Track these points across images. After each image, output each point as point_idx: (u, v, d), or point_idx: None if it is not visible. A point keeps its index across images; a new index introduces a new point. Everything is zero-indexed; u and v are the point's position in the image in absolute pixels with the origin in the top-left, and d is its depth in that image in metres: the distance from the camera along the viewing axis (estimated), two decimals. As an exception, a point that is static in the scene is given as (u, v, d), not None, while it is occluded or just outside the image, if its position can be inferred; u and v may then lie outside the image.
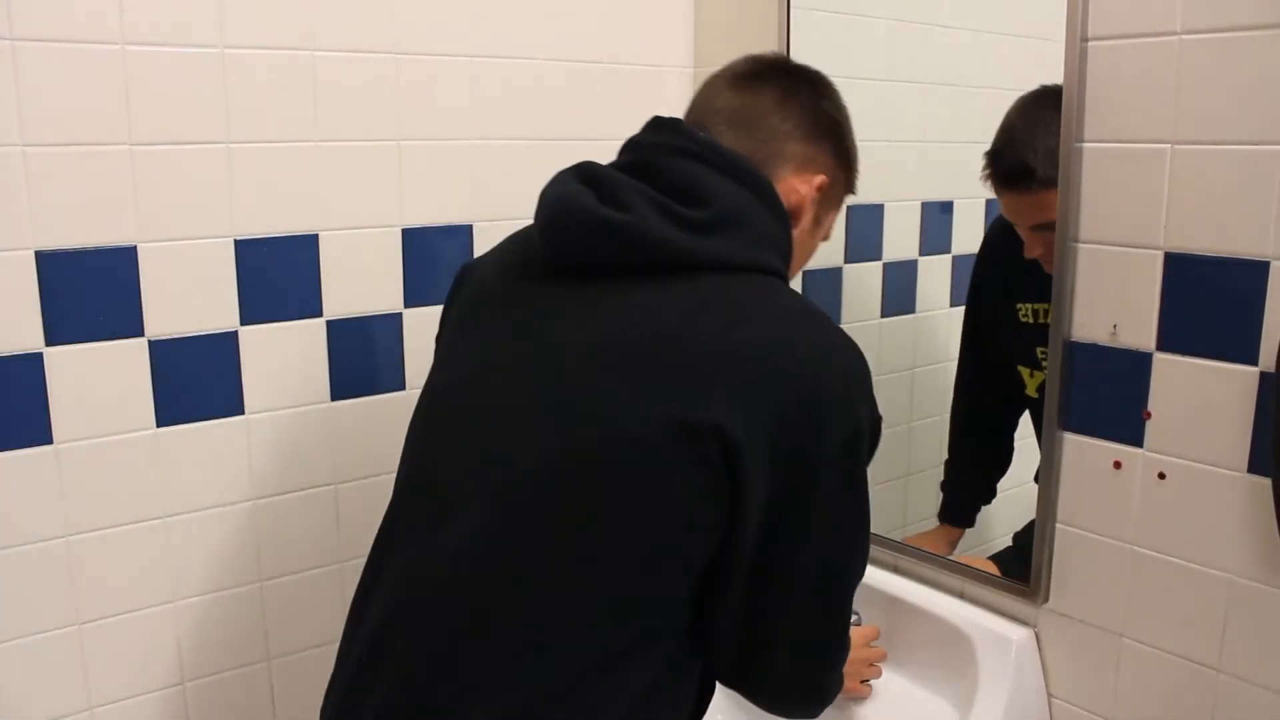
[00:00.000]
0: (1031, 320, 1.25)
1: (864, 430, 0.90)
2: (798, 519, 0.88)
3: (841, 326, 0.94)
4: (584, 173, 0.97)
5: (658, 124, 1.00)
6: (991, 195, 1.28)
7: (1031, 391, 1.27)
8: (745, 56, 1.05)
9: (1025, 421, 1.30)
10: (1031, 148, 1.18)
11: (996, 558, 1.32)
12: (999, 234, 1.29)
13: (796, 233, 0.99)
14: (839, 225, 1.09)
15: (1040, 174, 1.16)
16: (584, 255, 0.92)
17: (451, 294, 1.08)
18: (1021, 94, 1.22)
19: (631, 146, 1.00)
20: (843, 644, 0.97)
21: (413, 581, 0.92)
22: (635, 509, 0.86)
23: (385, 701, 0.89)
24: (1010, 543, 1.31)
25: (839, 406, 0.88)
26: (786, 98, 1.00)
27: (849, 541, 0.93)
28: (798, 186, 0.99)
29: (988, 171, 1.25)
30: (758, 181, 0.94)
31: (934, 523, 1.41)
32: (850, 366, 0.90)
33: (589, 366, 0.89)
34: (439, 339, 1.08)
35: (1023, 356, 1.27)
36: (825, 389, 0.87)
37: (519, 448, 0.90)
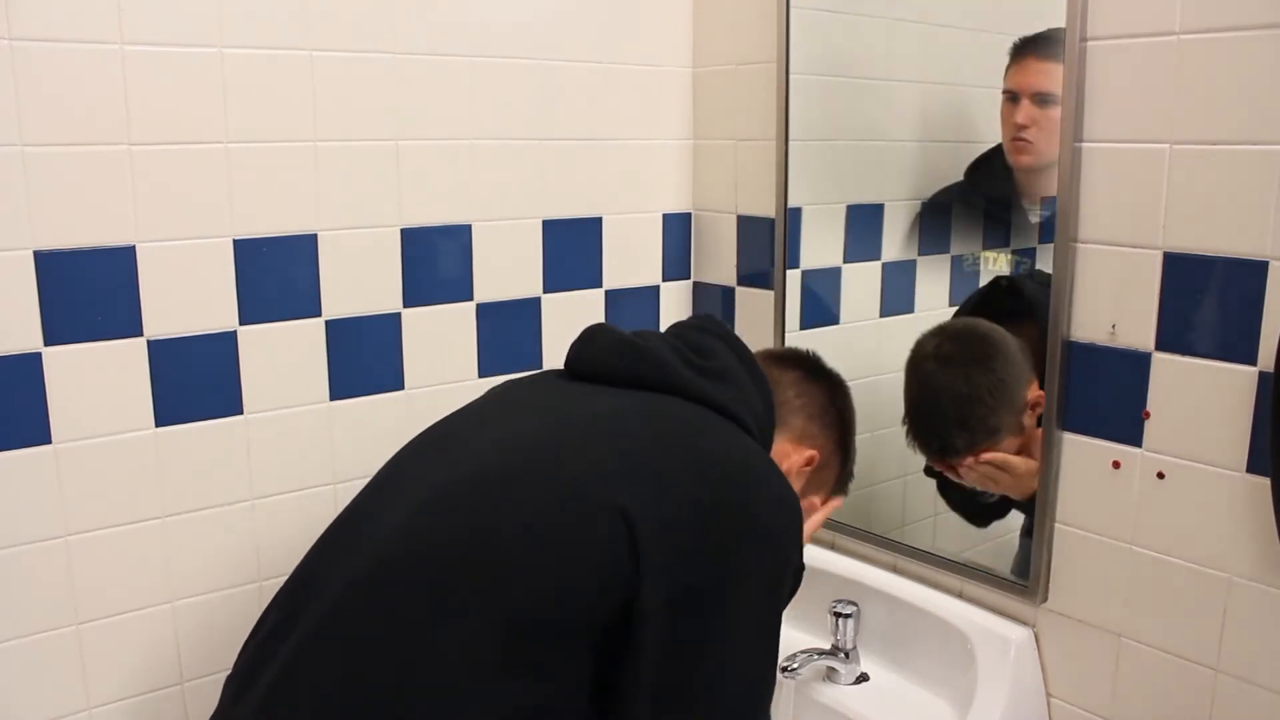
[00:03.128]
0: None
1: (788, 567, 0.96)
2: (706, 634, 0.90)
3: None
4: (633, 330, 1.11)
5: (702, 316, 1.16)
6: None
7: None
8: (780, 347, 1.22)
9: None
10: (948, 433, 1.25)
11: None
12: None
13: None
14: (839, 225, 1.10)
15: (964, 450, 1.24)
16: (600, 366, 1.05)
17: None
18: (915, 363, 1.29)
19: (675, 324, 1.14)
20: None
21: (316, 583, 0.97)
22: (546, 551, 0.89)
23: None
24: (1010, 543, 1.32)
25: (772, 538, 0.95)
26: (806, 381, 1.14)
27: (755, 665, 0.96)
28: (790, 453, 1.11)
29: (911, 444, 1.31)
30: (755, 367, 1.06)
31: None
32: (791, 510, 0.98)
33: (551, 433, 0.97)
34: None
35: None
36: (764, 518, 0.95)
37: (435, 482, 0.96)
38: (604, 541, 0.88)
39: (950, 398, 1.24)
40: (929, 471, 1.40)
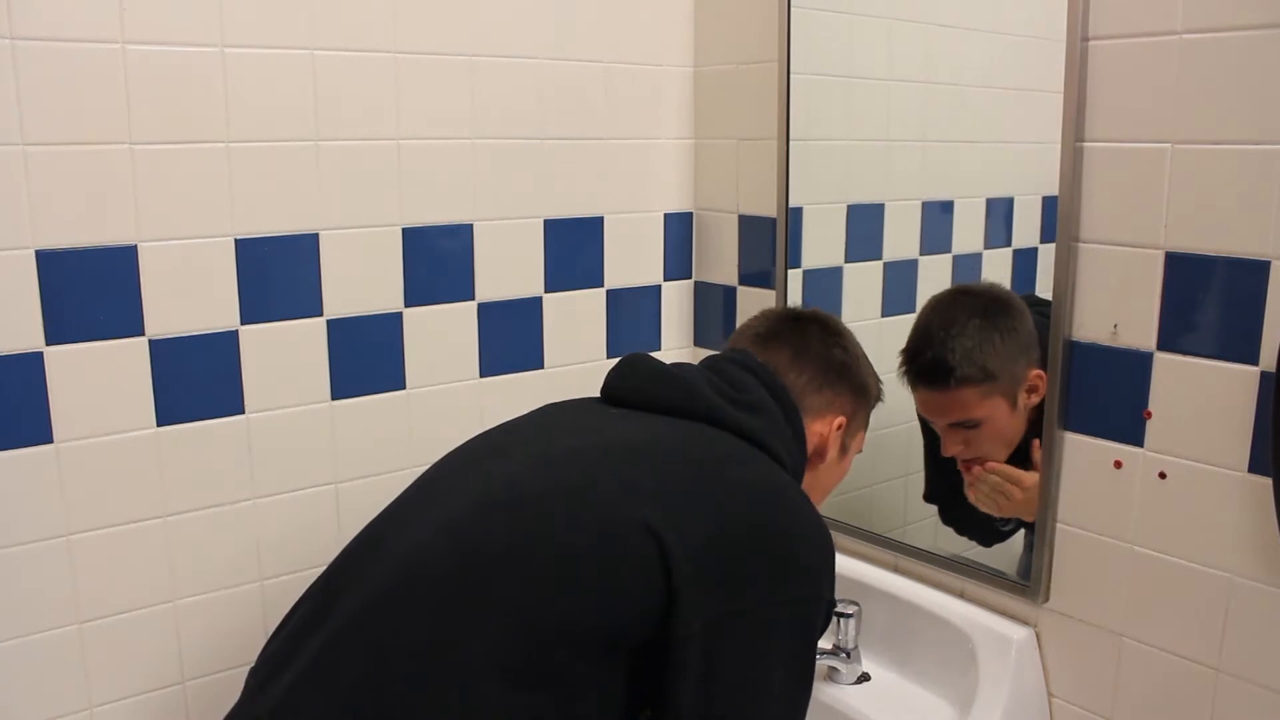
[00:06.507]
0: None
1: (821, 601, 0.97)
2: (742, 663, 0.92)
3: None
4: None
5: (733, 349, 1.16)
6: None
7: None
8: (759, 314, 1.21)
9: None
10: (949, 346, 1.23)
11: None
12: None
13: (823, 465, 1.14)
14: (840, 227, 1.10)
15: (958, 372, 1.22)
16: (637, 393, 1.07)
17: None
18: (936, 294, 1.30)
19: (708, 358, 1.15)
20: None
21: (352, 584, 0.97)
22: (576, 565, 0.90)
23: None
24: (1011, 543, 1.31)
25: (806, 571, 0.96)
26: (799, 355, 1.13)
27: (791, 699, 0.97)
28: (819, 430, 1.12)
29: (904, 369, 1.29)
30: (786, 400, 1.08)
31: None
32: (825, 545, 0.99)
33: (587, 454, 0.99)
34: None
35: None
36: (798, 550, 0.96)
37: (476, 494, 0.98)
38: (635, 560, 0.89)
39: (962, 321, 1.23)
40: (928, 499, 1.40)
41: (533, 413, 1.14)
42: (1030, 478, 1.21)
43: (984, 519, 1.29)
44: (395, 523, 1.02)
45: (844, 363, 1.15)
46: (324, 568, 1.03)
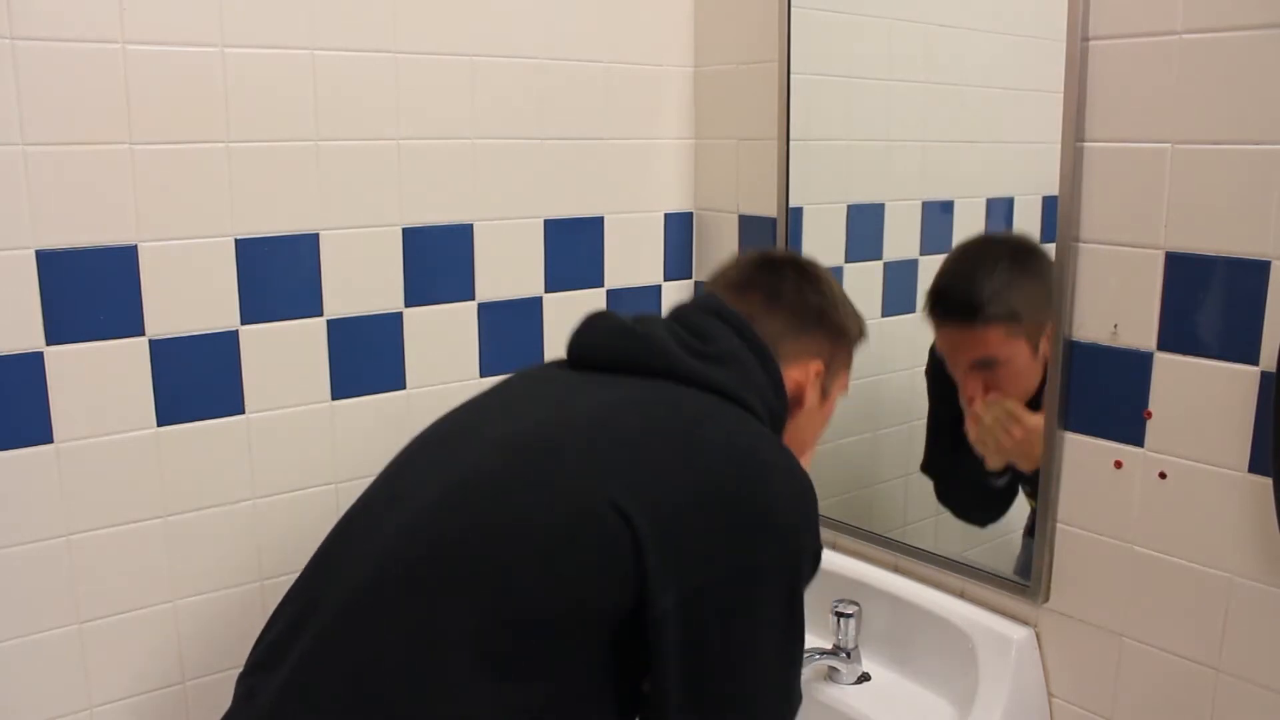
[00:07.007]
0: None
1: (806, 555, 0.94)
2: (726, 635, 0.90)
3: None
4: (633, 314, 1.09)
5: (702, 296, 1.12)
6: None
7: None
8: (732, 259, 1.17)
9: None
10: (978, 283, 1.23)
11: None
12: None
13: (803, 412, 1.10)
14: (840, 227, 1.10)
15: (987, 309, 1.21)
16: (601, 354, 1.04)
17: None
18: (964, 239, 1.30)
19: (676, 306, 1.12)
20: None
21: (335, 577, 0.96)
22: (546, 549, 0.88)
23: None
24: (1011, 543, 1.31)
25: (787, 527, 0.93)
26: (773, 300, 1.10)
27: (781, 660, 0.95)
28: (796, 377, 1.09)
29: (930, 306, 1.29)
30: (759, 345, 1.04)
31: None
32: (805, 496, 0.96)
33: (550, 431, 0.96)
34: None
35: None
36: (777, 507, 0.93)
37: (464, 470, 0.96)
38: (603, 540, 0.87)
39: (990, 263, 1.21)
40: (925, 469, 1.40)
41: (496, 387, 1.11)
42: (1034, 419, 1.19)
43: (980, 481, 1.28)
44: (364, 519, 1.00)
45: (820, 307, 1.12)
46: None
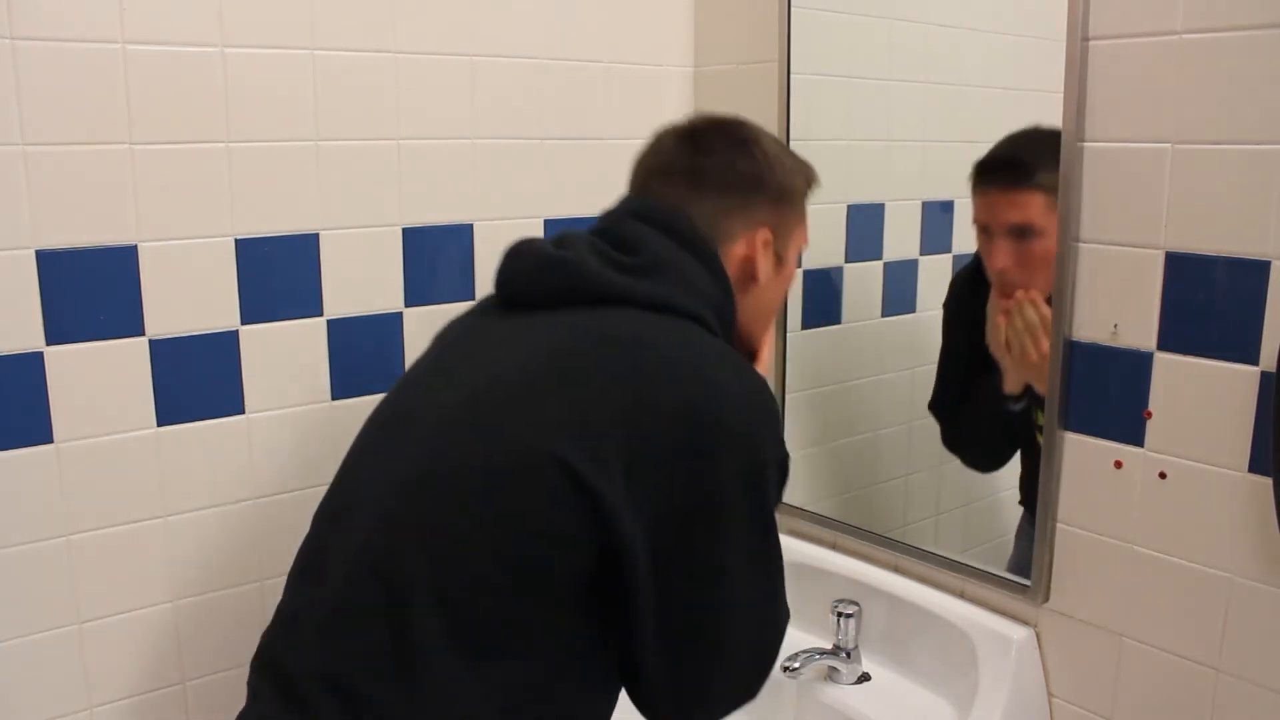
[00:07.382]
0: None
1: (768, 464, 0.91)
2: (695, 561, 0.88)
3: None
4: (555, 234, 1.03)
5: (626, 197, 1.05)
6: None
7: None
8: (653, 137, 1.07)
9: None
10: (1026, 148, 1.20)
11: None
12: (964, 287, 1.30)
13: (757, 287, 1.04)
14: (840, 225, 1.09)
15: (1035, 176, 1.18)
16: (527, 288, 0.99)
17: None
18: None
19: (601, 215, 1.05)
20: (763, 666, 0.97)
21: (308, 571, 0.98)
22: (496, 516, 0.87)
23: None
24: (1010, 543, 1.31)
25: (741, 438, 0.89)
26: (699, 180, 1.02)
27: (757, 577, 0.93)
28: (743, 252, 1.02)
29: (976, 173, 1.26)
30: (694, 240, 0.98)
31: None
32: (758, 403, 0.92)
33: (498, 385, 0.92)
34: None
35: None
36: (727, 419, 0.89)
37: (409, 455, 0.93)
38: (552, 494, 0.84)
39: (1046, 140, 1.15)
40: (935, 405, 1.38)
41: (429, 352, 1.06)
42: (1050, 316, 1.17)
43: (996, 406, 1.25)
44: (329, 527, 0.99)
45: (754, 174, 1.03)
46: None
